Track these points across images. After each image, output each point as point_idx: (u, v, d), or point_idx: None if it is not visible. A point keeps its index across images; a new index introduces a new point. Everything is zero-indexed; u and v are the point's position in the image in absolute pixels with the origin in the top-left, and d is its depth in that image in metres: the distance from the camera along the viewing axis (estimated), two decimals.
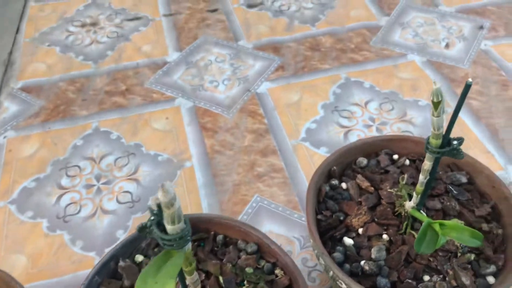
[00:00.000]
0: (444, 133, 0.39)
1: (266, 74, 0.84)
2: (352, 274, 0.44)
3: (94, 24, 0.99)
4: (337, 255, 0.45)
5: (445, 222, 0.42)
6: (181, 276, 0.34)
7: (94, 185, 0.68)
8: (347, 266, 0.44)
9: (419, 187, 0.44)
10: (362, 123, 0.74)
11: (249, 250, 0.45)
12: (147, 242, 0.47)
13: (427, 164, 0.42)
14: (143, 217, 0.64)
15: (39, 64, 0.89)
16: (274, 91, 0.81)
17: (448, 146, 0.39)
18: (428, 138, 0.40)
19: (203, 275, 0.44)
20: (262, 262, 0.44)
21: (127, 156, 0.72)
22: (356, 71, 0.84)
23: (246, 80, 0.83)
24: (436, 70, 0.83)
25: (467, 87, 0.35)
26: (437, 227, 0.42)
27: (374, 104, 0.77)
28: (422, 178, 0.43)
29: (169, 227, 0.28)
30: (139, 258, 0.46)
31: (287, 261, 0.43)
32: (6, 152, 0.73)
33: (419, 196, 0.45)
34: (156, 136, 0.75)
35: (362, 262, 0.44)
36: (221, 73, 0.85)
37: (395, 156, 0.54)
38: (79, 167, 0.71)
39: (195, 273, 0.33)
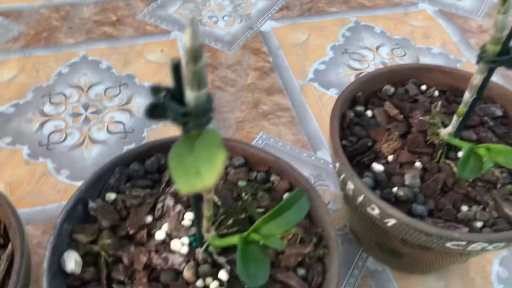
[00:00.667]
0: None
1: (270, 13, 0.78)
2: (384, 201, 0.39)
3: None
4: (367, 180, 0.40)
5: (491, 145, 0.38)
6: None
7: (81, 114, 0.61)
8: (377, 192, 0.40)
9: (463, 108, 0.40)
10: (374, 67, 0.70)
11: (236, 163, 0.40)
12: (115, 177, 0.39)
13: (477, 79, 0.37)
14: None
15: None
16: (279, 30, 0.75)
17: (507, 54, 0.35)
18: (484, 46, 0.36)
19: None
20: (254, 174, 0.40)
21: (118, 86, 0.65)
22: (365, 15, 0.79)
23: (248, 17, 0.77)
24: (448, 20, 0.79)
25: None
26: (482, 151, 0.38)
27: (386, 49, 0.73)
28: (468, 96, 0.39)
29: (191, 95, 0.21)
30: (111, 196, 0.38)
31: (281, 164, 0.39)
32: None
33: (459, 119, 0.40)
34: (150, 68, 0.68)
35: (395, 189, 0.40)
36: (220, 9, 0.79)
37: (423, 87, 0.50)
38: (64, 95, 0.64)
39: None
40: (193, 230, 0.35)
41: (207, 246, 0.33)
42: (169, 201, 0.37)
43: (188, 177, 0.20)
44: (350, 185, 0.39)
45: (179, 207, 0.36)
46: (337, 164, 0.41)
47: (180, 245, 0.34)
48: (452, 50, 0.73)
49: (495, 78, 0.68)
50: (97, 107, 0.62)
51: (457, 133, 0.42)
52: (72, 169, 0.55)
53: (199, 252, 0.33)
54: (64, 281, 0.33)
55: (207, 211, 0.30)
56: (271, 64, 0.69)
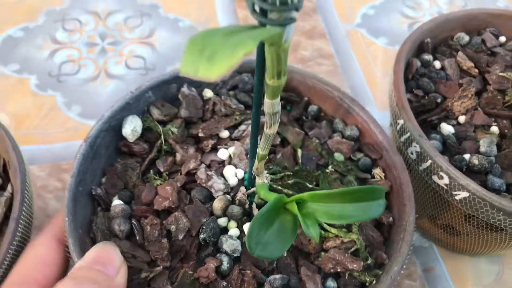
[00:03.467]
0: None
1: None
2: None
3: None
4: (435, 143, 0.34)
5: None
6: (256, 99, 0.22)
7: (97, 44, 0.54)
8: (446, 158, 0.33)
9: None
10: (430, 16, 0.61)
11: (347, 133, 0.33)
12: (227, 77, 0.35)
13: None
14: None
15: None
16: None
17: None
18: None
19: (278, 140, 0.33)
20: (360, 155, 0.33)
21: (140, 16, 0.58)
22: None
23: None
24: None
25: None
26: None
27: None
28: None
29: None
30: (208, 93, 0.35)
31: (396, 162, 0.31)
32: None
33: None
34: None
35: (467, 156, 0.33)
36: None
37: (502, 39, 0.42)
38: (79, 21, 0.56)
39: (278, 100, 0.22)
40: None
41: (252, 192, 0.28)
42: (249, 128, 0.32)
43: (198, 57, 0.14)
44: (415, 147, 0.33)
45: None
46: (400, 121, 0.34)
47: (232, 174, 0.30)
48: None
49: None
50: (115, 38, 0.55)
51: None
52: (84, 106, 0.49)
53: (241, 192, 0.29)
54: (116, 139, 0.32)
55: (261, 149, 0.24)
56: (313, 3, 0.61)
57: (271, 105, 0.22)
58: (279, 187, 0.29)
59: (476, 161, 0.32)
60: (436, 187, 0.33)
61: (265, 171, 0.29)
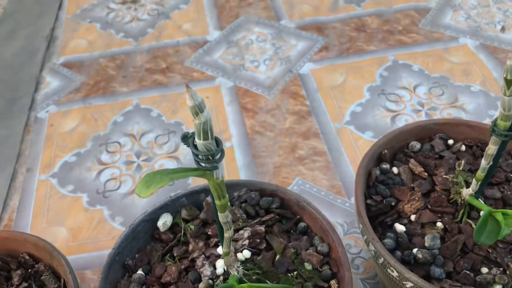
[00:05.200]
0: None
1: (309, 54, 0.82)
2: (404, 262, 0.41)
3: (134, 1, 0.98)
4: (388, 241, 0.43)
5: (509, 211, 0.39)
6: (215, 212, 0.33)
7: (134, 162, 0.68)
8: (398, 253, 0.42)
9: (480, 173, 0.41)
10: (411, 108, 0.71)
11: (320, 248, 0.42)
12: (239, 193, 0.47)
13: (491, 149, 0.39)
14: None
15: (80, 40, 0.89)
16: (317, 72, 0.78)
17: None
18: (495, 120, 0.37)
19: (264, 244, 0.43)
20: (325, 267, 0.41)
21: (167, 134, 0.71)
22: (404, 53, 0.80)
23: (288, 60, 0.81)
24: (490, 55, 0.78)
25: None
26: (499, 216, 0.39)
27: (423, 89, 0.74)
28: (484, 163, 0.40)
29: (198, 143, 0.27)
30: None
31: (346, 277, 0.39)
32: (48, 127, 0.74)
33: (479, 183, 0.42)
34: None
35: (415, 250, 0.42)
36: (262, 53, 0.83)
37: (450, 141, 0.51)
38: (119, 143, 0.70)
39: (228, 212, 0.32)
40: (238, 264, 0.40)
41: (224, 281, 0.39)
42: (246, 234, 0.43)
43: (142, 185, 0.26)
44: (372, 247, 0.42)
45: (246, 241, 0.42)
46: (360, 225, 0.44)
47: (221, 265, 0.41)
48: (493, 87, 0.73)
49: None
50: (148, 155, 0.68)
51: (478, 194, 0.43)
52: (124, 216, 0.61)
53: (220, 279, 0.40)
54: (152, 228, 0.45)
55: (224, 248, 0.35)
56: (308, 107, 0.73)
57: (222, 217, 0.33)
58: (246, 280, 0.39)
59: (420, 255, 0.41)
60: (391, 278, 0.41)
61: (241, 266, 0.39)
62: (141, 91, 0.78)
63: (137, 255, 0.44)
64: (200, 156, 0.28)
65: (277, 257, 0.42)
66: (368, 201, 0.46)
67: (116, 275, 0.42)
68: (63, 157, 0.69)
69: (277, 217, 0.45)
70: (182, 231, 0.45)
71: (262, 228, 0.43)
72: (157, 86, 0.79)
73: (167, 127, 0.72)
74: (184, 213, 0.46)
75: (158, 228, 0.45)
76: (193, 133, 0.29)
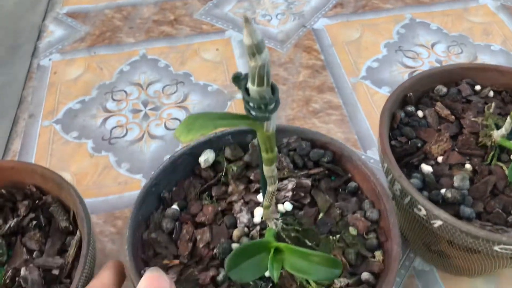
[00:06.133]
0: None
1: (323, 10, 0.79)
2: (432, 202, 0.39)
3: None
4: (415, 181, 0.41)
5: None
6: (260, 165, 0.30)
7: (141, 110, 0.65)
8: (425, 193, 0.40)
9: None
10: (429, 65, 0.69)
11: (369, 214, 0.38)
12: (289, 140, 0.43)
13: None
14: None
15: None
16: (332, 28, 0.75)
17: None
18: None
19: (308, 199, 0.40)
20: (371, 235, 0.38)
21: (175, 84, 0.68)
22: (421, 12, 0.77)
23: (301, 15, 0.78)
24: (511, 15, 0.75)
25: None
26: None
27: (442, 47, 0.71)
28: None
29: (252, 88, 0.24)
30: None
31: (394, 251, 0.35)
32: (51, 74, 0.71)
33: None
34: (205, 66, 0.71)
35: (443, 190, 0.40)
36: (274, 7, 0.80)
37: (478, 87, 0.49)
38: (125, 92, 0.68)
39: (274, 166, 0.29)
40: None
41: (261, 230, 0.37)
42: (290, 185, 0.40)
43: (183, 128, 0.23)
44: (398, 186, 0.40)
45: (289, 193, 0.39)
46: (385, 164, 0.42)
47: (259, 214, 0.38)
48: None
49: None
50: (155, 104, 0.66)
51: (511, 135, 0.41)
52: (131, 163, 0.59)
53: (256, 230, 0.37)
54: (193, 163, 0.42)
55: (265, 201, 0.32)
56: (322, 62, 0.70)
57: (267, 170, 0.30)
58: (283, 236, 0.36)
59: (449, 195, 0.39)
60: (418, 217, 0.39)
61: (280, 220, 0.36)
62: (148, 42, 0.75)
63: (174, 188, 0.41)
64: (251, 104, 0.25)
65: (320, 215, 0.39)
66: (393, 142, 0.44)
67: (149, 207, 0.39)
68: (67, 104, 0.66)
69: (326, 172, 0.41)
70: (224, 170, 0.42)
71: (308, 182, 0.40)
72: (164, 37, 0.76)
73: (175, 77, 0.69)
74: (227, 152, 0.42)
75: (199, 164, 0.42)
76: (246, 75, 0.25)
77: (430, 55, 0.70)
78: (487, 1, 0.78)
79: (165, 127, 0.63)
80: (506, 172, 0.40)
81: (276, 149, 0.29)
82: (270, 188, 0.31)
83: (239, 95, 0.66)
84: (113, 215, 0.54)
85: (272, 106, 0.25)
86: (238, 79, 0.25)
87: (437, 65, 0.68)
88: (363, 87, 0.66)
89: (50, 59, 0.73)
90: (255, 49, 0.22)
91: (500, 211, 0.38)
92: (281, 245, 0.31)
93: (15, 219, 0.39)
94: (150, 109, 0.65)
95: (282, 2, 0.81)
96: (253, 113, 0.25)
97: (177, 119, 0.64)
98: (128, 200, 0.55)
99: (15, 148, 0.61)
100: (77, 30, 0.78)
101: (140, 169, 0.58)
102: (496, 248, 0.36)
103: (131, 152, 0.60)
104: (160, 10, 0.81)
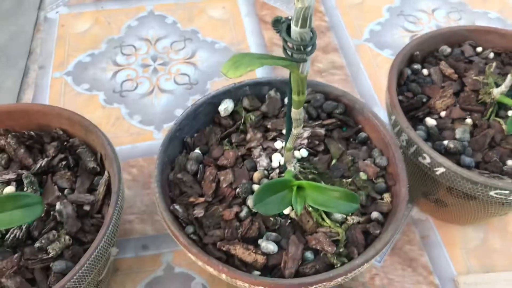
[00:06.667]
0: None
1: None
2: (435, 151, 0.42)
3: None
4: (420, 133, 0.44)
5: None
6: (289, 107, 0.32)
7: (150, 65, 0.66)
8: (429, 144, 0.43)
9: None
10: (429, 30, 0.71)
11: (378, 161, 0.42)
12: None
13: None
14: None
15: None
16: None
17: None
18: None
19: (322, 147, 0.42)
20: (380, 180, 0.41)
21: (183, 40, 0.70)
22: None
23: None
24: None
25: None
26: None
27: (442, 12, 0.74)
28: None
29: (294, 29, 0.26)
30: (286, 100, 0.45)
31: (402, 192, 0.38)
32: (59, 27, 0.71)
33: None
34: (212, 24, 0.72)
35: (446, 142, 0.43)
36: None
37: (479, 49, 0.51)
38: (134, 46, 0.69)
39: (302, 109, 0.32)
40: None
41: (279, 174, 0.40)
42: (306, 134, 0.43)
43: (231, 65, 0.25)
44: (404, 136, 0.43)
45: (304, 141, 0.42)
46: (393, 117, 0.45)
47: (277, 159, 0.41)
48: (510, 15, 0.73)
49: None
50: (164, 59, 0.67)
51: (509, 93, 0.44)
52: (143, 115, 0.61)
53: (275, 172, 0.40)
54: (213, 111, 0.45)
55: (288, 143, 0.35)
56: (327, 23, 0.72)
57: (295, 113, 0.32)
58: (301, 178, 0.39)
59: (451, 145, 0.42)
60: (422, 166, 0.43)
61: (297, 164, 0.39)
62: None
63: (196, 135, 0.44)
64: (290, 45, 0.27)
65: (333, 161, 0.42)
66: (400, 97, 0.46)
67: (174, 150, 0.42)
68: (77, 57, 0.67)
69: (338, 122, 0.44)
70: (243, 119, 0.44)
71: (322, 131, 0.43)
72: None
73: (183, 34, 0.71)
74: (246, 103, 0.45)
75: (219, 113, 0.45)
76: (286, 19, 0.27)
77: (430, 20, 0.72)
78: None
79: (175, 81, 0.64)
80: (504, 126, 0.44)
81: (306, 92, 0.31)
82: (295, 131, 0.34)
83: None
84: (128, 164, 0.56)
85: (310, 48, 0.27)
86: (278, 22, 0.28)
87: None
88: (366, 48, 0.69)
89: (57, 12, 0.73)
90: None
91: (497, 160, 0.42)
92: (303, 182, 0.34)
93: (45, 159, 0.41)
94: (159, 64, 0.67)
95: None
96: (290, 53, 0.27)
97: (186, 74, 0.65)
98: (141, 150, 0.57)
99: (27, 98, 0.62)
100: None
101: (152, 121, 0.60)
102: (492, 193, 0.40)
103: (142, 105, 0.62)
104: None
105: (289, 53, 0.28)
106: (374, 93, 0.63)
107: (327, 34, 0.71)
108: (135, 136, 0.59)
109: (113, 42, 0.69)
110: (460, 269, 0.48)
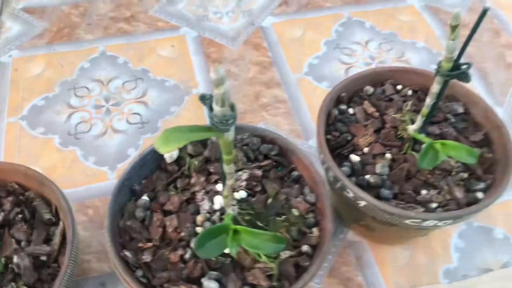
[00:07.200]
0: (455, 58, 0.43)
1: (270, 8, 0.86)
2: (358, 186, 0.48)
3: None
4: (345, 169, 0.49)
5: (446, 141, 0.46)
6: (221, 163, 0.37)
7: (103, 106, 0.70)
8: (353, 179, 0.49)
9: (425, 110, 0.48)
10: (363, 61, 0.77)
11: (308, 198, 0.46)
12: (242, 136, 0.50)
13: (435, 87, 0.46)
14: (153, 138, 0.66)
15: None
16: (278, 25, 0.83)
17: (457, 70, 0.43)
18: (440, 63, 0.44)
19: (259, 187, 0.47)
20: (310, 215, 0.46)
21: (134, 80, 0.74)
22: (358, 11, 0.86)
23: (250, 13, 0.85)
24: (433, 15, 0.86)
25: (484, 12, 0.38)
26: (438, 145, 0.47)
27: (374, 44, 0.80)
28: (429, 101, 0.47)
29: (216, 108, 0.31)
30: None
31: (328, 228, 0.43)
32: (12, 71, 0.74)
33: (423, 119, 0.49)
34: (162, 62, 0.76)
35: (367, 176, 0.49)
36: (225, 5, 0.86)
37: (399, 87, 0.58)
38: (87, 88, 0.72)
39: (233, 165, 0.37)
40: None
41: (221, 215, 0.44)
42: (244, 176, 0.47)
43: (161, 141, 0.30)
44: (331, 173, 0.48)
45: (243, 183, 0.46)
46: (321, 156, 0.50)
47: (219, 202, 0.45)
48: (435, 45, 0.81)
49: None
50: (116, 100, 0.71)
51: (422, 130, 0.51)
52: (97, 156, 0.64)
53: (216, 215, 0.44)
54: (159, 159, 0.49)
55: (225, 192, 0.39)
56: (270, 58, 0.77)
57: (227, 168, 0.37)
58: (239, 219, 0.43)
59: (372, 180, 0.48)
60: (348, 198, 0.48)
61: (236, 206, 0.44)
62: (106, 39, 0.79)
63: (144, 181, 0.48)
64: (215, 119, 0.31)
65: (269, 200, 0.46)
66: (328, 137, 0.52)
67: (123, 198, 0.46)
68: (32, 101, 0.70)
69: (274, 163, 0.49)
70: (187, 165, 0.48)
71: (259, 172, 0.47)
72: (122, 34, 0.80)
73: (134, 73, 0.75)
74: (190, 149, 0.49)
75: (164, 160, 0.49)
76: (210, 96, 0.31)
77: (364, 52, 0.79)
78: (414, 1, 0.88)
79: (127, 121, 0.68)
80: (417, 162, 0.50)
81: (234, 152, 0.36)
82: (229, 182, 0.39)
83: (195, 90, 0.73)
84: (84, 205, 0.60)
85: (231, 121, 0.32)
86: (204, 98, 0.32)
87: (370, 61, 0.78)
88: (305, 82, 0.74)
89: (10, 56, 0.76)
90: (220, 82, 0.29)
91: (411, 192, 0.48)
92: (238, 227, 0.39)
93: (2, 214, 0.44)
94: (112, 105, 0.70)
95: (231, 0, 0.87)
96: (217, 126, 0.32)
97: (138, 113, 0.69)
98: (96, 191, 0.61)
99: None
100: (34, 25, 0.81)
101: (106, 162, 0.64)
102: (407, 221, 0.46)
103: (96, 146, 0.65)
104: (116, 6, 0.85)
105: (216, 125, 0.32)
106: (313, 125, 0.69)
107: (270, 69, 0.76)
108: (90, 177, 0.62)
109: (67, 84, 0.72)
110: (391, 286, 0.54)
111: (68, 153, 0.65)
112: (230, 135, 0.34)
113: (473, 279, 0.54)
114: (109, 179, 0.62)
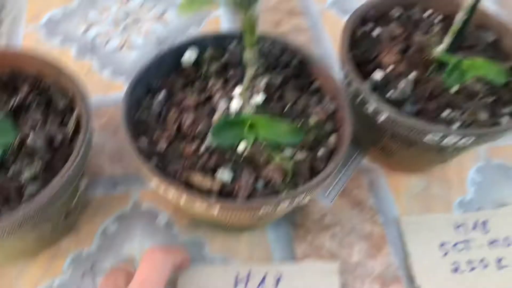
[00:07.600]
0: None
1: None
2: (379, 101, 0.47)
3: None
4: (367, 85, 0.48)
5: (477, 61, 0.45)
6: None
7: (122, 21, 0.69)
8: (374, 95, 0.48)
9: (455, 27, 0.46)
10: None
11: (328, 106, 0.46)
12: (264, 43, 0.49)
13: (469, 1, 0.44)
14: None
15: None
16: None
17: None
18: None
19: (278, 94, 0.46)
20: (329, 123, 0.45)
21: (154, 0, 0.72)
22: None
23: None
24: None
25: None
26: (467, 63, 0.45)
27: None
28: (461, 16, 0.45)
29: None
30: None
31: (346, 132, 0.43)
32: None
33: (453, 36, 0.47)
34: None
35: (390, 92, 0.48)
36: None
37: (429, 11, 0.56)
38: (106, 4, 0.71)
39: (254, 50, 0.36)
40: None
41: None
42: (264, 80, 0.46)
43: (185, 3, 0.29)
44: (352, 87, 0.47)
45: (262, 87, 0.46)
46: (344, 70, 0.49)
47: (235, 104, 0.44)
48: None
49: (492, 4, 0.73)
50: (135, 17, 0.69)
51: (450, 51, 0.49)
52: (113, 69, 0.63)
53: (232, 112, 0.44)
54: (178, 59, 0.48)
55: (245, 84, 0.38)
56: None
57: (248, 52, 0.36)
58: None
59: (394, 96, 0.47)
60: (368, 114, 0.47)
61: (253, 110, 0.43)
62: None
63: (161, 80, 0.47)
64: None
65: (287, 107, 0.46)
66: (351, 53, 0.51)
67: (139, 93, 0.45)
68: (49, 11, 0.69)
69: (294, 73, 0.48)
70: (206, 67, 0.47)
71: (278, 80, 0.47)
72: None
73: None
74: (208, 52, 0.48)
75: (182, 62, 0.48)
76: None
77: None
78: None
79: (145, 38, 0.67)
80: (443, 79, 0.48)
81: (256, 33, 0.35)
82: (249, 70, 0.38)
83: (214, 13, 0.71)
84: (99, 113, 0.59)
85: None
86: None
87: None
88: (329, 14, 0.72)
89: None
90: None
91: (434, 110, 0.46)
92: (256, 118, 0.38)
93: (19, 96, 0.44)
94: (130, 22, 0.69)
95: None
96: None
97: (156, 32, 0.68)
98: (112, 100, 0.60)
99: None
100: None
101: (122, 75, 0.63)
102: (427, 138, 0.45)
103: (112, 59, 0.64)
104: None
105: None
106: (334, 52, 0.67)
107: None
108: (105, 88, 0.62)
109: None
110: (403, 210, 0.53)
111: (84, 64, 0.64)
112: (256, 8, 0.33)
113: (487, 211, 0.53)
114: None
